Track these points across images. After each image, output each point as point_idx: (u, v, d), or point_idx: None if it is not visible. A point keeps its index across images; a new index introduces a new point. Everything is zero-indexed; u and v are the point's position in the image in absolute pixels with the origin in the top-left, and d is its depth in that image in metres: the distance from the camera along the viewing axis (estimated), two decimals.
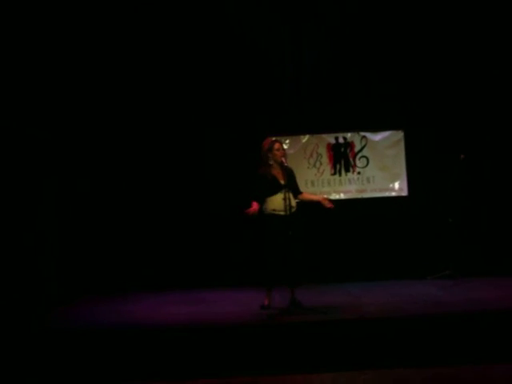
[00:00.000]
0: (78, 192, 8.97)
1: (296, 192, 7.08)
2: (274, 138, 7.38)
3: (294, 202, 6.89)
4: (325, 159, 9.31)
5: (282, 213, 6.81)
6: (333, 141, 9.32)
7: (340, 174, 9.30)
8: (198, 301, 7.91)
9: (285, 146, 7.10)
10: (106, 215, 9.10)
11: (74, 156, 8.94)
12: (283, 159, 6.93)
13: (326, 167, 9.30)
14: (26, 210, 7.76)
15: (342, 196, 9.28)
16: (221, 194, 9.15)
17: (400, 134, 9.23)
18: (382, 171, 9.26)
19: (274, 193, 6.90)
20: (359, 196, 9.27)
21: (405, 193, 9.21)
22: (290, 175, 6.99)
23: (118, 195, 9.15)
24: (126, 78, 9.17)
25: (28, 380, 5.88)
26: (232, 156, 9.14)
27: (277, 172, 6.97)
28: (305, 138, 9.32)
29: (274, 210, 6.88)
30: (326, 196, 7.31)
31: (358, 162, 9.30)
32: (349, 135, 9.31)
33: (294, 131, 9.23)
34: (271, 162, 7.00)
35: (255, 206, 6.83)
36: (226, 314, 6.91)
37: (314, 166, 9.27)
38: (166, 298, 8.26)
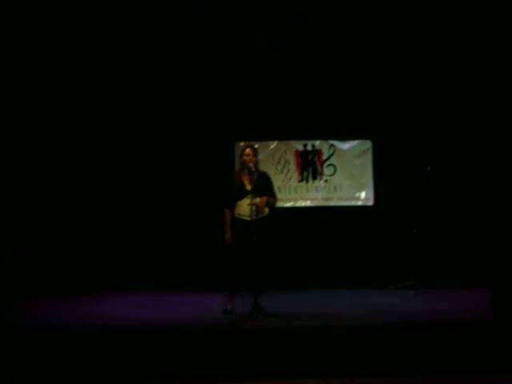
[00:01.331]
0: (44, 190, 8.91)
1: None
2: (243, 144, 7.39)
3: (262, 209, 6.88)
4: (292, 166, 9.32)
5: (248, 218, 6.82)
6: (301, 148, 9.32)
7: (307, 181, 9.31)
8: (160, 303, 7.85)
9: (251, 150, 6.99)
10: (72, 214, 9.03)
11: (42, 157, 8.93)
12: (251, 165, 6.89)
13: (294, 174, 9.31)
14: None
15: (309, 203, 9.29)
16: (190, 197, 9.10)
17: (368, 144, 9.27)
18: (349, 180, 9.29)
19: (240, 198, 6.89)
20: (325, 204, 9.28)
21: (371, 202, 9.25)
22: (261, 181, 6.96)
23: (86, 194, 9.07)
24: (100, 83, 9.15)
25: None
26: (201, 160, 9.09)
27: (245, 177, 6.95)
28: (273, 144, 9.31)
29: (239, 214, 6.91)
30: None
31: (325, 170, 9.31)
32: (317, 143, 9.32)
33: (263, 137, 9.21)
34: (242, 166, 6.99)
35: (228, 234, 6.92)
36: (187, 318, 6.87)
37: (282, 172, 9.27)
38: (128, 299, 8.19)
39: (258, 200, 6.81)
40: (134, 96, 9.16)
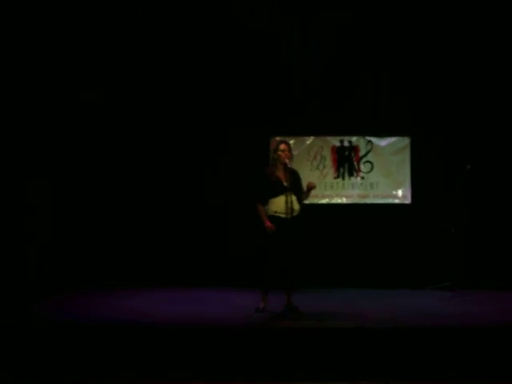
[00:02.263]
0: (73, 189, 8.91)
1: (300, 196, 6.94)
2: (279, 139, 7.29)
3: (296, 206, 6.79)
4: (328, 162, 9.19)
5: (283, 215, 6.73)
6: (338, 144, 9.20)
7: (343, 178, 9.18)
8: (193, 300, 7.84)
9: (286, 146, 6.91)
10: (100, 211, 9.01)
11: (71, 156, 8.92)
12: (287, 161, 6.81)
13: (330, 170, 9.19)
14: (14, 205, 7.77)
15: (345, 200, 9.16)
16: (223, 194, 9.03)
17: (406, 141, 9.10)
18: (386, 177, 9.14)
19: (277, 194, 6.79)
20: (362, 201, 9.14)
21: (408, 200, 9.09)
22: (294, 178, 6.89)
23: (114, 192, 9.05)
24: (124, 77, 9.09)
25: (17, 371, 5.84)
26: (237, 156, 9.03)
27: (281, 173, 6.86)
28: (309, 140, 9.19)
29: (275, 212, 6.80)
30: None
31: (362, 167, 9.17)
32: (354, 139, 9.18)
33: (299, 132, 9.12)
34: (276, 163, 6.89)
35: (268, 222, 6.77)
36: (219, 316, 6.82)
37: (317, 168, 9.16)
38: (159, 294, 8.20)
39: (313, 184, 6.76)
40: (169, 91, 9.12)
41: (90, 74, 8.90)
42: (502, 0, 8.86)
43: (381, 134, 9.15)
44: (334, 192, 9.17)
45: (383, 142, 9.15)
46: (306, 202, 7.19)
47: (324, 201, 9.11)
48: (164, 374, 5.85)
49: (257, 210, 6.89)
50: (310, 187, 6.76)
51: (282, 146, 6.90)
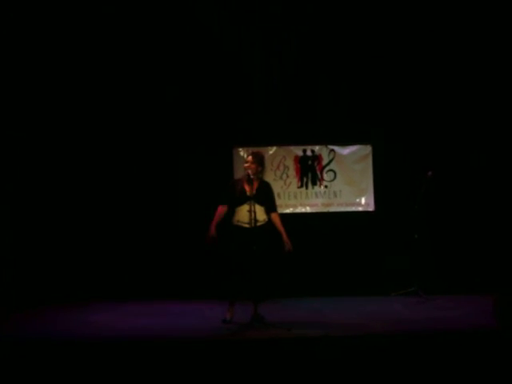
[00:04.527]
0: (39, 200, 8.87)
1: (268, 208, 6.97)
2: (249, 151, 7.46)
3: (261, 216, 6.80)
4: (292, 172, 9.24)
5: (247, 225, 6.74)
6: (300, 153, 9.25)
7: (307, 187, 9.23)
8: (159, 313, 7.84)
9: (251, 158, 6.94)
10: (69, 226, 9.03)
11: (34, 176, 8.89)
12: (249, 171, 6.83)
13: (293, 180, 9.23)
14: None
15: (309, 209, 9.21)
16: (189, 204, 9.05)
17: (368, 149, 9.20)
18: (349, 185, 9.22)
19: (240, 204, 6.83)
20: (325, 210, 9.20)
21: (371, 208, 9.18)
22: (262, 189, 6.92)
23: (83, 205, 9.08)
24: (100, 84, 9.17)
25: None
26: (200, 167, 9.07)
27: (246, 184, 6.89)
28: (272, 150, 9.23)
29: (238, 221, 6.85)
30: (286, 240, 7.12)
31: (325, 176, 9.24)
32: (317, 148, 9.25)
33: (262, 142, 9.12)
34: (244, 174, 6.96)
35: (213, 230, 6.84)
36: (187, 328, 6.84)
37: (281, 178, 9.20)
38: (127, 308, 8.19)
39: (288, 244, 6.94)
40: (133, 99, 9.17)
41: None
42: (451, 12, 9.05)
43: (343, 143, 9.24)
44: (298, 201, 9.21)
45: (345, 151, 9.23)
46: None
47: (288, 210, 9.13)
48: None
49: (215, 212, 6.92)
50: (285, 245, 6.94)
51: (247, 158, 7.00)
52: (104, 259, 9.01)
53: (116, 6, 9.02)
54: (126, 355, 5.93)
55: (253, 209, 6.64)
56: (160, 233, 9.09)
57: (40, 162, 8.93)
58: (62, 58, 9.03)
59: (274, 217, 7.01)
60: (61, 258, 8.91)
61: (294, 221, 8.95)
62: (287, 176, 9.22)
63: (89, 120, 9.14)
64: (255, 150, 7.54)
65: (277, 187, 8.91)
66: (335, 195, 9.23)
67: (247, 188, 6.85)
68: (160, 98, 9.16)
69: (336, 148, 9.23)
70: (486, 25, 8.99)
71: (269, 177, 8.86)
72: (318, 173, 9.24)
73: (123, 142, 9.15)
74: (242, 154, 9.08)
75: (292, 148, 9.26)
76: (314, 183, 9.24)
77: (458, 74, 9.12)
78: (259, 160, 7.00)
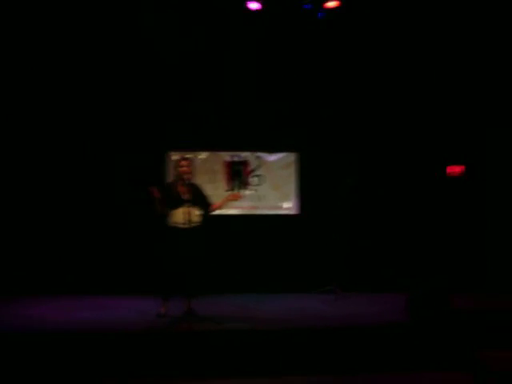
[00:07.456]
0: None
1: (205, 207, 7.45)
2: (179, 156, 7.79)
3: (195, 217, 7.25)
4: (221, 176, 9.73)
5: (181, 226, 7.16)
6: (229, 159, 9.74)
7: (234, 191, 9.64)
8: (97, 307, 8.05)
9: (187, 162, 7.40)
10: (3, 222, 9.18)
11: None
12: (187, 176, 7.28)
13: (222, 183, 9.71)
14: None
15: (236, 212, 9.70)
16: (124, 204, 9.38)
17: (293, 156, 9.80)
18: (274, 190, 9.79)
19: (176, 207, 7.24)
20: (252, 212, 9.74)
21: (295, 211, 9.77)
22: (195, 191, 7.36)
23: (18, 201, 9.24)
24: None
25: None
26: (134, 169, 9.39)
27: (181, 188, 7.30)
28: (203, 155, 9.69)
29: (175, 222, 7.23)
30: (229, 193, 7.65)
31: (252, 181, 9.77)
32: (244, 154, 9.78)
33: (194, 148, 9.61)
34: (178, 178, 7.34)
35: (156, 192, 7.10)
36: (123, 321, 7.11)
37: (210, 181, 9.63)
38: (64, 302, 8.38)
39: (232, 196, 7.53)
40: (69, 101, 9.41)
41: None
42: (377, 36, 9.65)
43: (270, 150, 9.79)
44: (227, 204, 9.60)
45: (272, 158, 9.80)
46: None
47: (217, 212, 9.55)
48: (72, 379, 6.07)
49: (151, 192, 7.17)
50: (232, 198, 7.50)
51: (183, 163, 7.39)
52: (39, 254, 9.21)
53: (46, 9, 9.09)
54: (59, 347, 6.19)
55: (188, 211, 7.12)
56: (95, 229, 9.37)
57: None
58: None
59: (214, 205, 7.56)
60: None
61: (222, 223, 9.47)
62: (216, 180, 9.69)
63: (26, 121, 9.33)
64: (187, 155, 8.00)
65: (207, 191, 9.28)
66: (261, 199, 9.78)
67: (182, 191, 7.27)
68: (97, 101, 9.44)
69: (263, 155, 9.79)
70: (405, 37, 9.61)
71: (199, 180, 9.23)
72: (246, 177, 9.76)
73: (59, 144, 9.39)
74: (174, 158, 9.45)
75: (222, 154, 9.75)
76: (241, 187, 9.75)
77: (380, 85, 9.79)
78: (190, 164, 7.49)
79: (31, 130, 9.35)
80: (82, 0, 8.91)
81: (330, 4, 8.95)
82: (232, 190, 9.69)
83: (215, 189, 9.60)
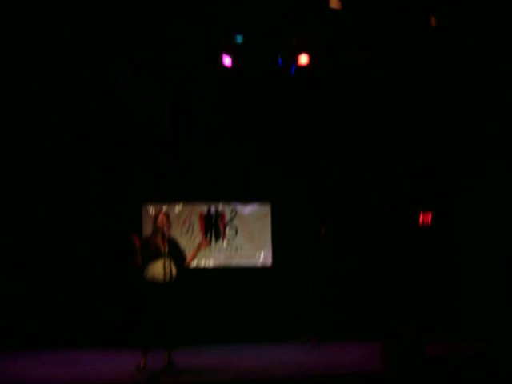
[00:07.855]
0: None
1: (181, 262, 7.53)
2: (157, 209, 7.92)
3: (174, 271, 7.30)
4: (197, 227, 9.87)
5: (161, 280, 7.18)
6: (205, 210, 9.90)
7: (210, 242, 9.73)
8: (73, 361, 8.00)
9: (165, 216, 7.52)
10: None
11: None
12: (166, 230, 7.38)
13: (198, 235, 9.82)
14: None
15: (212, 263, 9.84)
16: (101, 256, 9.43)
17: (267, 208, 9.99)
18: (249, 242, 9.96)
19: (155, 260, 7.29)
20: (227, 263, 9.86)
21: (269, 262, 9.94)
22: (173, 246, 7.44)
23: None
24: None
25: None
26: (109, 219, 9.50)
27: (160, 241, 7.37)
28: (179, 207, 9.84)
29: (153, 277, 7.25)
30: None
31: (227, 232, 9.91)
32: (220, 206, 9.94)
33: (169, 199, 9.77)
34: (156, 232, 7.44)
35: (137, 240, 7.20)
36: (101, 377, 7.07)
37: (187, 233, 9.78)
38: (40, 357, 8.32)
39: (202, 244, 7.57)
40: (46, 150, 9.52)
41: None
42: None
43: (244, 200, 9.98)
44: (202, 255, 9.71)
45: (247, 209, 10.00)
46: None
47: (194, 264, 9.66)
48: None
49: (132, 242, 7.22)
50: (201, 246, 7.56)
51: (160, 217, 7.46)
52: (17, 307, 9.16)
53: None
54: None
55: (167, 265, 7.20)
56: (69, 281, 9.35)
57: None
58: None
59: (188, 259, 7.63)
60: None
61: (198, 275, 9.63)
62: (192, 232, 9.82)
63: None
64: (163, 206, 8.14)
65: (182, 242, 9.23)
66: (236, 250, 9.92)
67: (161, 244, 7.34)
68: (73, 153, 9.56)
69: (237, 206, 9.96)
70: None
71: (175, 232, 9.37)
72: (221, 229, 9.91)
73: (32, 190, 9.47)
74: (150, 210, 9.62)
75: (197, 205, 9.90)
76: (217, 238, 9.89)
77: (353, 133, 10.12)
78: (169, 218, 7.61)
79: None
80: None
81: (302, 61, 9.29)
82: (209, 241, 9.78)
83: (192, 241, 9.71)
